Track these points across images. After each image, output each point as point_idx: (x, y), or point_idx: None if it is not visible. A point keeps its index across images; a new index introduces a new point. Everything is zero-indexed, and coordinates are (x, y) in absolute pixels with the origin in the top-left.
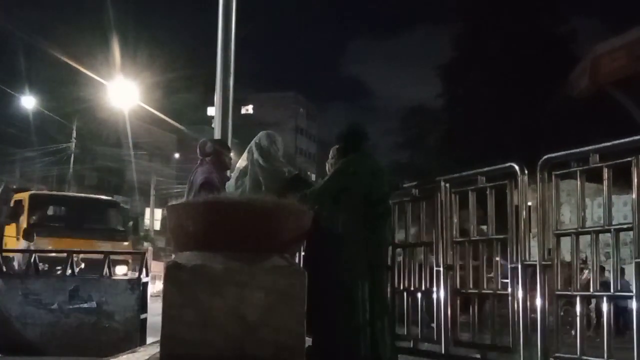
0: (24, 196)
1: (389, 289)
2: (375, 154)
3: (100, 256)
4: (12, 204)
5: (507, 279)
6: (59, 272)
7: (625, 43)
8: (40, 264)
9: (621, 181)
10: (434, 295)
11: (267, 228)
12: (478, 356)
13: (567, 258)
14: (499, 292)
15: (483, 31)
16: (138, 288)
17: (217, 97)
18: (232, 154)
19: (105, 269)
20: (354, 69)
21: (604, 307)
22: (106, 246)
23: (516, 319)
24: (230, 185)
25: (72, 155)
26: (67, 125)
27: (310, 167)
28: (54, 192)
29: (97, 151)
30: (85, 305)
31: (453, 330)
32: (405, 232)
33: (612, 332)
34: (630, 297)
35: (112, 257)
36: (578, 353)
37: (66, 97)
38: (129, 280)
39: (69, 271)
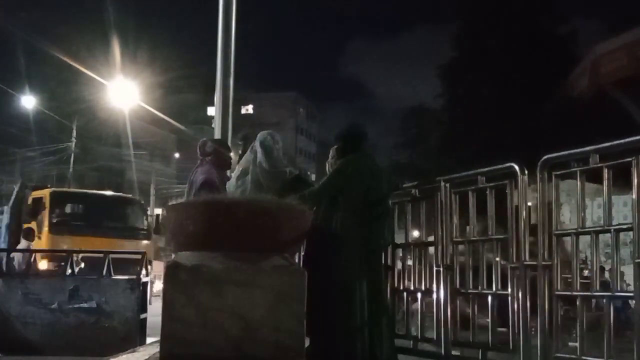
0: (45, 193)
1: (388, 289)
2: (375, 154)
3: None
4: (29, 201)
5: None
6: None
7: (625, 43)
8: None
9: (621, 181)
10: (434, 295)
11: (267, 228)
12: (478, 356)
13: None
14: (499, 292)
15: (483, 31)
16: (138, 288)
17: (217, 97)
18: (232, 154)
19: (104, 269)
20: (354, 69)
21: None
22: (129, 245)
23: (516, 319)
24: (231, 184)
25: (72, 155)
26: (67, 124)
27: (310, 167)
28: (75, 190)
29: (97, 151)
30: (85, 305)
31: (453, 330)
32: (406, 232)
33: (612, 333)
34: (631, 298)
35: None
36: (578, 353)
37: (66, 96)
38: (129, 280)
39: (68, 271)
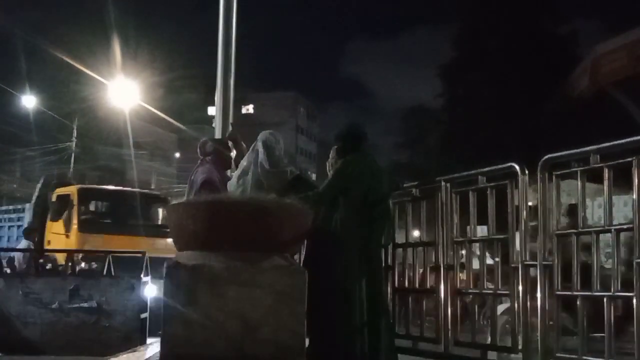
0: (72, 190)
1: (389, 289)
2: (375, 154)
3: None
4: (54, 199)
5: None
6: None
7: (625, 43)
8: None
9: (621, 181)
10: (435, 295)
11: (267, 228)
12: (478, 356)
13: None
14: (499, 292)
15: (483, 31)
16: (138, 287)
17: (218, 97)
18: (232, 154)
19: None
20: (354, 69)
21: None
22: (159, 244)
23: (516, 319)
24: (231, 184)
25: (73, 155)
26: (68, 124)
27: (310, 166)
28: (103, 186)
29: (97, 150)
30: (86, 305)
31: (453, 330)
32: (406, 232)
33: (612, 333)
34: (631, 297)
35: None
36: (579, 353)
37: (67, 96)
38: (129, 280)
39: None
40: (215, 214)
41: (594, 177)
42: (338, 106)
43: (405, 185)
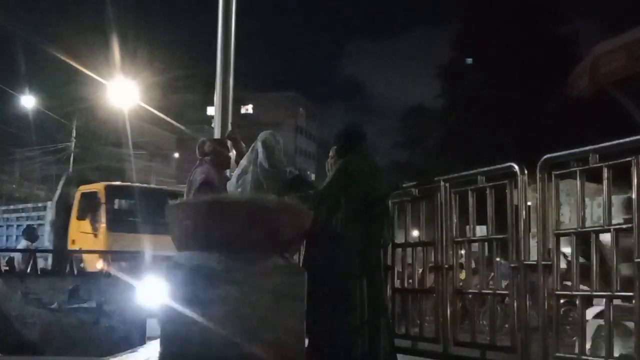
0: (99, 188)
1: (388, 289)
2: (374, 154)
3: None
4: (78, 197)
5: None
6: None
7: (625, 43)
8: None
9: (621, 181)
10: (434, 295)
11: (266, 228)
12: (477, 356)
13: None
14: (499, 291)
15: (483, 31)
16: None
17: (217, 97)
18: (231, 154)
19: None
20: (353, 70)
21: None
22: None
23: (516, 319)
24: (231, 184)
25: (72, 155)
26: (67, 124)
27: (309, 166)
28: (130, 184)
29: (96, 150)
30: (85, 305)
31: (453, 330)
32: (405, 232)
33: (612, 332)
34: (631, 297)
35: None
36: (578, 353)
37: (66, 96)
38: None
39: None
40: (214, 214)
41: (594, 176)
42: (337, 106)
43: (404, 185)
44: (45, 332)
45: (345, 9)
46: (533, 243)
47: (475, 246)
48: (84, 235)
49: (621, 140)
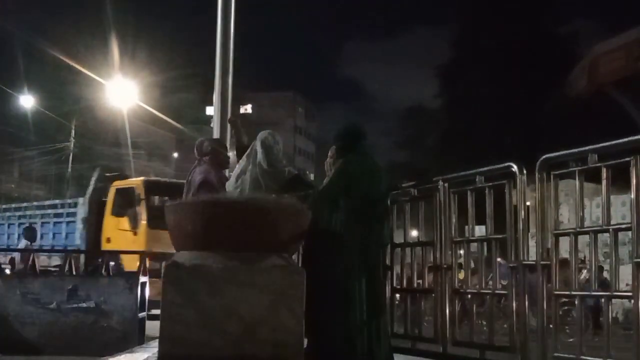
0: (137, 183)
1: (387, 289)
2: (373, 153)
3: None
4: (112, 192)
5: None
6: None
7: (623, 43)
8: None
9: (620, 181)
10: (433, 295)
11: (265, 227)
12: (476, 356)
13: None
14: (497, 291)
15: (482, 31)
16: (136, 287)
17: (216, 97)
18: (230, 154)
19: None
20: (352, 70)
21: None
22: None
23: (515, 319)
24: (230, 184)
25: (71, 155)
26: (66, 124)
27: (308, 166)
28: (167, 179)
29: (95, 150)
30: (84, 305)
31: (451, 330)
32: (404, 232)
33: (610, 331)
34: (629, 297)
35: None
36: (577, 353)
37: (65, 96)
38: (127, 280)
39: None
40: (213, 214)
41: (592, 176)
42: (336, 106)
43: (403, 185)
44: (44, 332)
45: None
46: (532, 243)
47: (474, 246)
48: (121, 233)
49: (620, 141)
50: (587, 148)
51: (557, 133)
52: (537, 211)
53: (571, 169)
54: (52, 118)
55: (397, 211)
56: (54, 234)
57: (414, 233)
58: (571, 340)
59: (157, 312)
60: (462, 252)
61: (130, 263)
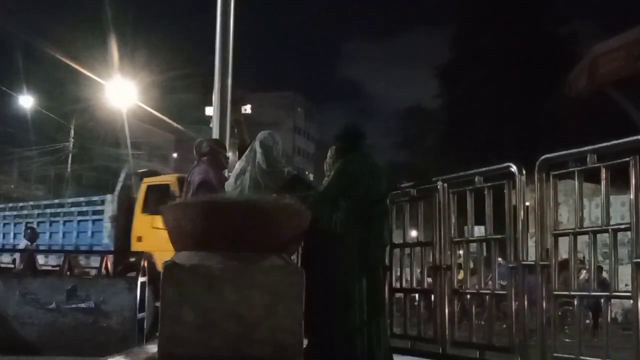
0: (171, 180)
1: (386, 289)
2: (373, 154)
3: None
4: (143, 190)
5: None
6: None
7: (623, 43)
8: None
9: (619, 181)
10: (433, 296)
11: (265, 228)
12: (476, 356)
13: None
14: (497, 292)
15: (481, 31)
16: (136, 288)
17: (215, 97)
18: (229, 154)
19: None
20: (352, 70)
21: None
22: None
23: (514, 319)
24: (229, 184)
25: (70, 155)
26: (65, 124)
27: (308, 166)
28: None
29: (95, 151)
30: (83, 305)
31: (451, 330)
32: (404, 232)
33: (609, 331)
34: (629, 297)
35: None
36: (576, 353)
37: (64, 96)
38: (127, 280)
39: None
40: (212, 214)
41: (592, 177)
42: (336, 106)
43: (402, 185)
44: (43, 332)
45: (344, 9)
46: (531, 243)
47: (473, 246)
48: (155, 232)
49: (619, 141)
50: (586, 148)
51: (556, 133)
52: (537, 211)
53: (570, 169)
54: (52, 118)
55: (397, 211)
56: (77, 233)
57: (413, 233)
58: (570, 340)
59: None
60: (461, 252)
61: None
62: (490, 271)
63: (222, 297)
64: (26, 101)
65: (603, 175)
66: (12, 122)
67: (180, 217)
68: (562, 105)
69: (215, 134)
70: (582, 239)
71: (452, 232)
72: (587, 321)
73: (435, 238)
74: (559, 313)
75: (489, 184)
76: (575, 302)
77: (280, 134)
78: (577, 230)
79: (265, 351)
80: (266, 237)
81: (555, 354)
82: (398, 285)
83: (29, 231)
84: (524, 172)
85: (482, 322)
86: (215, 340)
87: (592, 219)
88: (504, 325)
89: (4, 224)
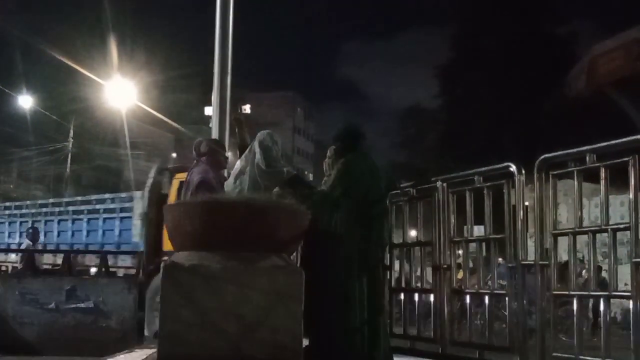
0: None
1: (386, 289)
2: (372, 154)
3: None
4: (175, 186)
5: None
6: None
7: (622, 44)
8: None
9: (618, 181)
10: (432, 295)
11: (264, 228)
12: (475, 356)
13: (564, 258)
14: (496, 291)
15: (481, 31)
16: (135, 287)
17: (215, 97)
18: (229, 154)
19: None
20: (352, 70)
21: (602, 306)
22: None
23: (514, 319)
24: (228, 184)
25: (70, 155)
26: (65, 124)
27: (307, 166)
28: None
29: (94, 150)
30: (83, 305)
31: (450, 330)
32: (403, 232)
33: (609, 331)
34: (628, 297)
35: None
36: (575, 353)
37: (64, 96)
38: (126, 280)
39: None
40: (211, 214)
41: (591, 176)
42: (335, 106)
43: (402, 185)
44: (42, 332)
45: (344, 9)
46: (530, 243)
47: (472, 246)
48: None
49: (618, 141)
50: (585, 148)
51: (556, 133)
52: (536, 211)
53: (570, 169)
54: (51, 118)
55: (396, 211)
56: (103, 231)
57: (413, 233)
58: (569, 340)
59: None
60: (460, 252)
61: None
62: (489, 271)
63: (222, 297)
64: (26, 101)
65: (602, 175)
66: (12, 122)
67: (180, 217)
68: (561, 105)
69: (215, 134)
70: (582, 239)
71: (452, 231)
72: (589, 317)
73: (434, 238)
74: (559, 313)
75: (488, 184)
76: (575, 302)
77: (279, 134)
78: (577, 230)
79: (265, 351)
80: (266, 237)
81: (554, 354)
82: (398, 285)
83: (31, 231)
84: (523, 171)
85: (482, 322)
86: (215, 340)
87: (591, 219)
88: (504, 325)
89: (21, 222)
